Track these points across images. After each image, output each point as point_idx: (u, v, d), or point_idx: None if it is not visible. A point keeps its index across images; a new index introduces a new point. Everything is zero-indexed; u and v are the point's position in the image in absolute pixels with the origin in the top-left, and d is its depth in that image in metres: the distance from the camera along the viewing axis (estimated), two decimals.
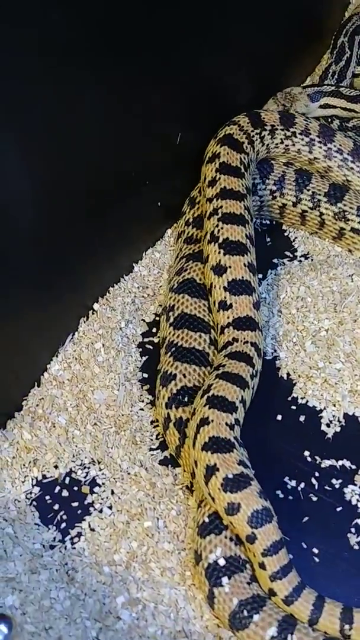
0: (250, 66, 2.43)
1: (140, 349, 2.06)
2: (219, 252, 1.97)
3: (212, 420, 1.64)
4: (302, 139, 2.27)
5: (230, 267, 1.95)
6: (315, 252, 2.28)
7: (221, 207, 2.03)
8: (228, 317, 1.90)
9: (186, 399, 1.82)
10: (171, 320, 1.99)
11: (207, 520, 1.63)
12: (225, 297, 1.92)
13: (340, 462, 1.85)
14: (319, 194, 2.23)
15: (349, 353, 1.95)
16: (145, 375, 2.01)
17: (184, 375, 1.86)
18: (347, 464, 1.84)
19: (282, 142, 2.26)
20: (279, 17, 2.44)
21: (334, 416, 1.92)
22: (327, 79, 2.56)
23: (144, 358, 2.04)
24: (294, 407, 1.95)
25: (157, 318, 2.12)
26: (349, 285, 2.06)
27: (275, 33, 2.46)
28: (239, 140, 2.16)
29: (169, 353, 1.92)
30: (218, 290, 1.94)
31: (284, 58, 2.61)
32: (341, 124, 2.47)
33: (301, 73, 2.77)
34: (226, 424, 1.65)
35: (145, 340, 2.09)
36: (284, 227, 2.37)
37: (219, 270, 1.96)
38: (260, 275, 2.22)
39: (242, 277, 1.94)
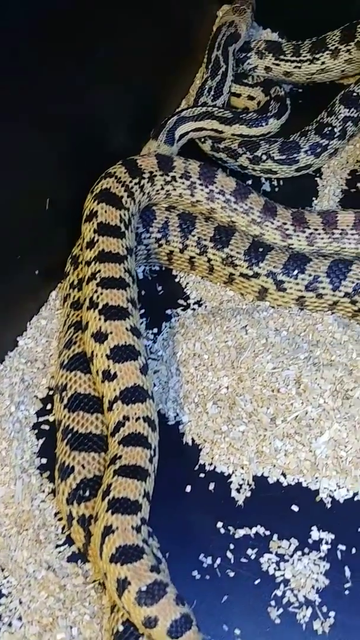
0: (124, 102, 2.31)
1: (36, 431, 1.95)
2: (99, 319, 1.86)
3: (117, 528, 1.55)
4: (183, 183, 2.18)
5: (111, 333, 1.84)
6: (208, 298, 2.21)
7: (99, 271, 1.92)
8: (114, 390, 1.80)
9: (87, 493, 1.72)
10: (65, 401, 1.88)
11: (121, 628, 1.55)
12: (108, 366, 1.82)
13: (254, 530, 1.80)
14: (205, 239, 2.15)
15: (251, 412, 1.90)
16: (44, 460, 1.90)
17: (83, 466, 1.76)
18: (261, 530, 1.80)
19: (162, 189, 2.16)
20: (147, 47, 2.31)
21: (243, 479, 1.87)
22: (203, 96, 2.48)
23: (41, 441, 1.93)
24: (202, 475, 1.89)
25: (51, 392, 2.00)
26: (243, 338, 1.99)
27: (144, 63, 2.34)
28: (117, 195, 2.05)
29: (66, 440, 1.81)
30: (100, 359, 1.84)
31: (157, 87, 2.50)
32: (213, 145, 2.41)
33: (177, 97, 2.67)
34: (132, 527, 1.57)
35: (40, 420, 1.98)
36: (174, 272, 2.28)
37: (100, 337, 1.85)
38: (155, 330, 2.14)
39: (125, 342, 1.84)
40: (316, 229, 2.15)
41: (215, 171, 2.20)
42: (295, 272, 2.06)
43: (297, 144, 2.38)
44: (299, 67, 2.60)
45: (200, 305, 2.21)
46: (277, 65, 2.61)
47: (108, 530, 1.56)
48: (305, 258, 2.09)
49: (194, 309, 2.20)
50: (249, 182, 2.48)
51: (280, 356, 1.95)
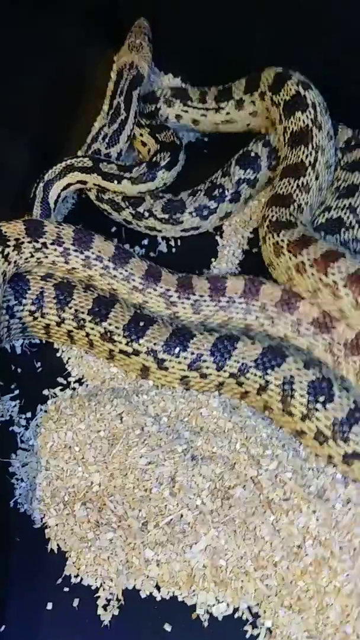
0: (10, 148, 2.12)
1: None
2: None
3: None
4: (55, 249, 1.97)
5: None
6: (90, 376, 2.00)
7: None
8: None
9: None
10: None
11: None
12: None
13: None
14: (83, 312, 1.94)
15: (121, 516, 1.68)
16: None
17: None
18: None
19: (32, 256, 1.96)
20: (38, 91, 2.14)
21: (111, 594, 1.65)
22: (97, 142, 2.30)
23: None
24: (66, 589, 1.67)
25: None
26: (117, 427, 1.79)
27: (36, 108, 2.15)
28: None
29: None
30: None
31: (50, 133, 2.30)
32: (98, 195, 2.24)
33: (72, 144, 2.47)
34: None
35: None
36: (56, 346, 2.07)
37: None
38: (29, 414, 1.94)
39: None
40: (202, 296, 1.96)
41: (92, 236, 2.00)
42: (177, 349, 1.86)
43: (183, 204, 2.18)
44: (205, 116, 2.42)
45: (81, 384, 2.00)
46: (186, 112, 2.43)
47: None
48: (190, 334, 1.89)
49: (74, 389, 1.99)
50: (145, 241, 2.29)
51: (155, 449, 1.74)
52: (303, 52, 2.29)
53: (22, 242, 1.93)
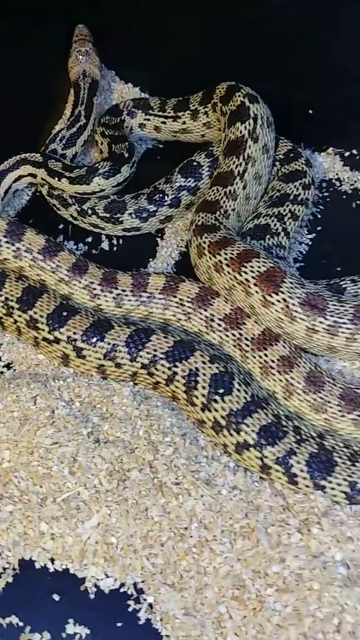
0: None
1: None
2: None
3: None
4: None
5: None
6: (19, 361, 2.12)
7: None
8: None
9: None
10: None
11: None
12: None
13: (7, 620, 1.68)
14: (12, 300, 2.06)
15: (23, 491, 1.78)
16: None
17: None
18: (15, 620, 1.68)
19: None
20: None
21: (8, 563, 1.75)
22: (54, 143, 2.43)
23: None
24: None
25: None
26: (30, 409, 1.89)
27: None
28: None
29: None
30: None
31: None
32: (49, 190, 2.37)
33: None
34: None
35: None
36: None
37: None
38: None
39: None
40: (124, 290, 2.06)
41: (25, 229, 2.13)
42: (95, 339, 1.97)
43: (124, 205, 2.30)
44: (164, 123, 2.54)
45: (9, 369, 2.11)
46: (148, 120, 2.55)
47: None
48: (109, 325, 1.99)
49: (1, 372, 2.10)
50: (89, 239, 2.41)
51: (62, 430, 1.85)
52: (262, 71, 2.41)
53: None
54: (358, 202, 2.46)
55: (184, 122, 2.48)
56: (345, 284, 2.07)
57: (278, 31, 2.35)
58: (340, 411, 1.80)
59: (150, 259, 2.36)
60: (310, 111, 2.48)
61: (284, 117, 2.40)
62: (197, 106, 2.44)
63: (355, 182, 2.50)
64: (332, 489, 1.71)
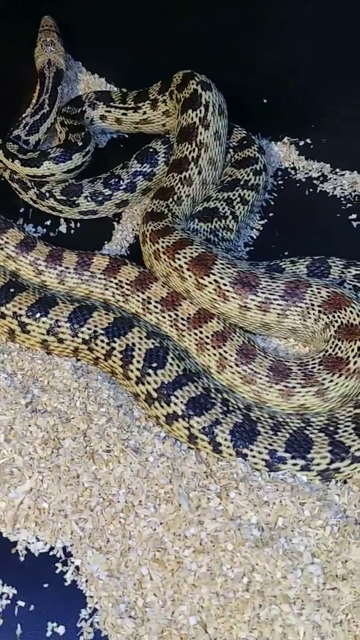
0: None
1: None
2: None
3: None
4: None
5: None
6: None
7: None
8: None
9: None
10: None
11: None
12: None
13: None
14: None
15: None
16: None
17: None
18: None
19: None
20: None
21: None
22: (18, 129, 2.51)
23: None
24: None
25: None
26: None
27: None
28: None
29: None
30: None
31: None
32: (11, 175, 2.46)
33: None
34: None
35: None
36: None
37: None
38: None
39: None
40: (67, 268, 2.14)
41: (9, 223, 2.23)
42: (38, 315, 2.04)
43: (81, 188, 2.37)
44: (125, 115, 2.61)
45: None
46: (109, 112, 2.62)
47: None
48: (54, 302, 2.06)
49: None
50: (48, 222, 2.48)
51: (1, 400, 1.91)
52: (221, 61, 2.48)
53: None
54: (311, 190, 2.52)
55: (144, 112, 2.55)
56: (285, 264, 2.12)
57: (236, 22, 2.42)
58: (268, 382, 1.86)
59: (106, 242, 2.43)
60: (265, 100, 2.54)
61: (241, 107, 2.46)
62: (156, 95, 2.51)
63: (310, 170, 2.55)
64: (254, 456, 1.76)
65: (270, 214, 2.48)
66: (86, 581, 1.73)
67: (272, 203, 2.51)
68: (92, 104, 2.63)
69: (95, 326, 2.00)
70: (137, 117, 2.58)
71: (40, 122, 2.54)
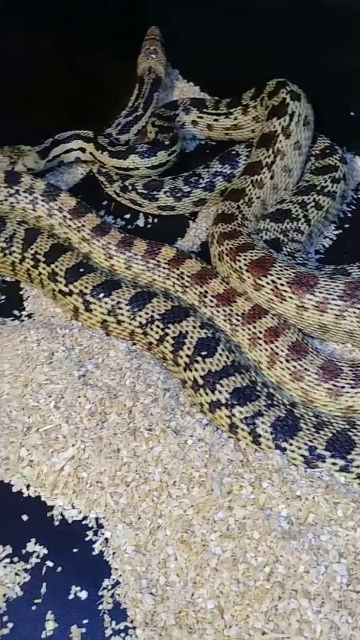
0: None
1: None
2: None
3: None
4: (26, 197, 2.29)
5: None
6: (39, 312, 2.28)
7: None
8: None
9: None
10: None
11: None
12: None
13: None
14: (40, 254, 2.24)
15: (12, 419, 1.93)
16: None
17: None
18: None
19: (6, 200, 2.29)
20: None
21: None
22: (111, 128, 2.64)
23: None
24: None
25: None
26: (33, 349, 2.05)
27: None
28: None
29: None
30: None
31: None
32: (99, 169, 2.56)
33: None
34: None
35: None
36: (22, 285, 2.38)
37: None
38: None
39: None
40: (136, 255, 2.20)
41: (60, 190, 2.32)
42: (102, 295, 2.11)
43: (162, 183, 2.45)
44: (217, 120, 2.68)
45: (30, 318, 2.28)
46: (201, 117, 2.70)
47: None
48: (117, 284, 2.13)
49: (22, 320, 2.27)
50: (127, 215, 2.57)
51: (56, 370, 1.98)
52: (311, 72, 2.52)
53: None
54: None
55: (235, 118, 2.60)
56: (352, 269, 2.10)
57: (329, 34, 2.44)
58: (317, 380, 1.84)
59: (179, 238, 2.49)
60: (352, 113, 2.54)
61: (328, 118, 2.48)
62: (248, 101, 2.57)
63: None
64: (292, 451, 1.74)
65: (346, 225, 2.46)
66: (113, 553, 1.75)
67: (350, 215, 2.49)
68: (186, 109, 2.71)
69: (153, 311, 2.05)
70: (228, 123, 2.64)
71: (132, 123, 2.65)
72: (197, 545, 1.67)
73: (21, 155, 2.40)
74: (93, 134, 2.55)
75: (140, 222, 2.56)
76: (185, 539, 1.69)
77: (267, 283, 1.95)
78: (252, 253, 2.02)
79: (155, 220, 2.57)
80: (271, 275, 1.95)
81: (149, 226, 2.56)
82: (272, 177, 2.30)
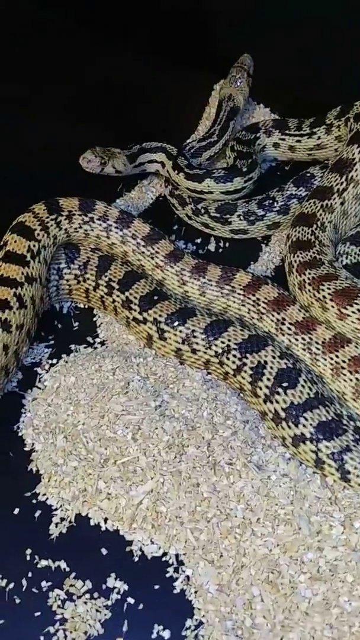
0: None
1: None
2: None
3: None
4: (100, 225, 2.29)
5: None
6: (112, 339, 2.27)
7: None
8: None
9: None
10: None
11: None
12: None
13: (56, 563, 1.79)
14: (114, 281, 2.22)
15: (89, 450, 1.91)
16: None
17: None
18: (63, 565, 1.78)
19: (80, 227, 2.29)
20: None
21: (66, 515, 1.87)
22: (184, 150, 2.61)
23: None
24: (34, 502, 1.91)
25: None
26: (108, 379, 2.02)
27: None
28: (30, 228, 2.19)
29: None
30: None
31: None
32: (171, 190, 2.55)
33: None
34: None
35: None
36: (95, 312, 2.37)
37: None
38: (54, 361, 2.22)
39: None
40: (210, 280, 2.16)
41: (133, 217, 2.30)
42: (176, 323, 2.08)
43: (235, 207, 2.41)
44: (300, 142, 2.62)
45: (102, 345, 2.27)
46: (283, 140, 2.64)
47: None
48: (192, 313, 2.09)
49: (95, 348, 2.26)
50: (199, 240, 2.54)
51: (132, 400, 1.96)
52: None
53: (74, 214, 2.27)
54: None
55: (319, 137, 2.53)
56: None
57: None
58: None
59: (252, 263, 2.44)
60: None
61: None
62: (332, 120, 2.50)
63: None
64: None
65: None
66: (195, 592, 1.70)
67: None
68: (268, 132, 2.66)
69: (229, 340, 2.00)
70: (312, 143, 2.57)
71: (205, 148, 2.62)
72: (285, 587, 1.60)
73: (112, 157, 2.41)
74: (176, 153, 2.52)
75: (212, 247, 2.53)
76: (272, 580, 1.63)
77: (353, 312, 1.89)
78: (336, 283, 1.98)
79: (227, 244, 2.53)
80: (357, 304, 1.89)
81: (220, 250, 2.53)
82: (342, 204, 2.25)
